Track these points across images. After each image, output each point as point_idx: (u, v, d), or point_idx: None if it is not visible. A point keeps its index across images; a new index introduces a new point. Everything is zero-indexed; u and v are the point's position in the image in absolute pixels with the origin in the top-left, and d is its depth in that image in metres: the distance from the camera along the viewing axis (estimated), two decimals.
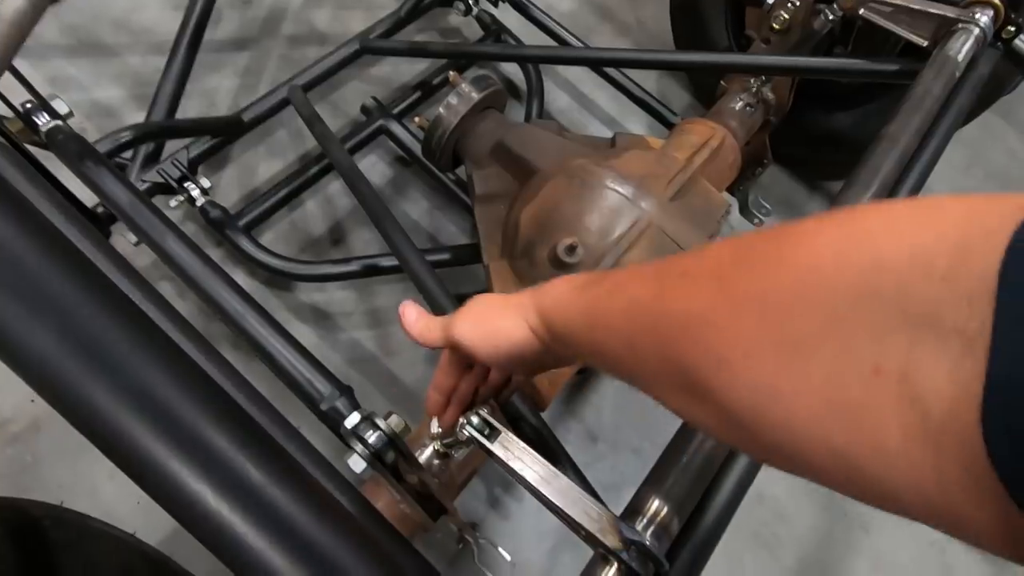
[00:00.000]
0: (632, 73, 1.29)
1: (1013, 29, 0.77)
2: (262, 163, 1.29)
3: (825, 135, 1.32)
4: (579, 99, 1.49)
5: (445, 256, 1.06)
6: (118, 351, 0.27)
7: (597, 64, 1.23)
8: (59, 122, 0.67)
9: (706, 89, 1.39)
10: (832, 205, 0.64)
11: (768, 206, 1.38)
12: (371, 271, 1.07)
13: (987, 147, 1.78)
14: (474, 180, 0.94)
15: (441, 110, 0.96)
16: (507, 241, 0.85)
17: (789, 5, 0.95)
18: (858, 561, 1.22)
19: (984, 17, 0.75)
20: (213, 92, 1.36)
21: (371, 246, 1.24)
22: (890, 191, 0.66)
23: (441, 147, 0.98)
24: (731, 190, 1.16)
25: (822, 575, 1.19)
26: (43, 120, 0.67)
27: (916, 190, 0.68)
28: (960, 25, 0.74)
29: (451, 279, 0.95)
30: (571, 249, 0.72)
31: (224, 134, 1.12)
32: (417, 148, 1.16)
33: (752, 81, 1.01)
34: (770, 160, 1.13)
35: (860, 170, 0.65)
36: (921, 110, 0.67)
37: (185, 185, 1.02)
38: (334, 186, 1.29)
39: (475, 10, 1.33)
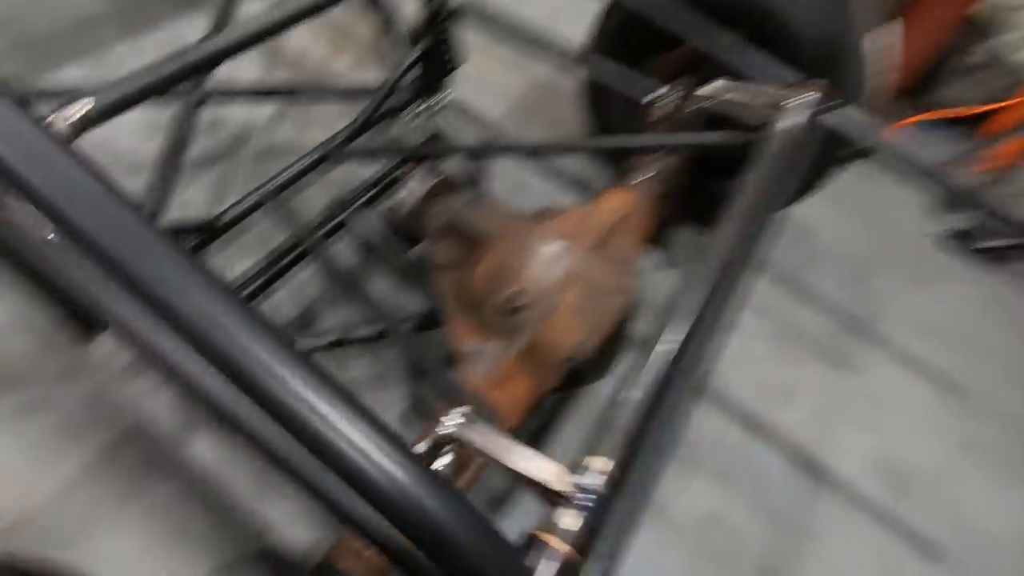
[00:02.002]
0: (559, 159, 1.53)
1: (829, 106, 1.03)
2: (236, 262, 1.42)
3: (723, 198, 1.58)
4: (514, 181, 1.72)
5: (409, 325, 1.20)
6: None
7: (524, 152, 1.46)
8: None
9: (619, 169, 1.64)
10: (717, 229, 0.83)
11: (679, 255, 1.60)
12: (342, 343, 1.19)
13: (864, 198, 2.12)
14: (432, 253, 1.11)
15: (399, 199, 1.14)
16: (464, 298, 1.01)
17: (662, 103, 1.21)
18: (810, 569, 1.34)
19: (805, 98, 1.01)
20: (188, 204, 1.51)
21: (338, 326, 1.37)
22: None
23: (402, 230, 1.15)
24: (652, 242, 1.38)
25: None
26: None
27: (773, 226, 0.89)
28: (786, 104, 1.00)
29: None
30: (518, 294, 0.89)
31: (203, 235, 1.26)
32: (380, 234, 1.33)
33: (650, 160, 1.26)
34: (672, 217, 1.36)
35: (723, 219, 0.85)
36: (760, 169, 0.90)
37: None
38: (302, 276, 1.43)
39: (421, 118, 1.56)
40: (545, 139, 1.59)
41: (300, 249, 1.26)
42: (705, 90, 1.09)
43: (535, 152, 1.43)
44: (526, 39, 1.39)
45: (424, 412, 1.24)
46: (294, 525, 1.16)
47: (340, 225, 1.38)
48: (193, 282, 0.45)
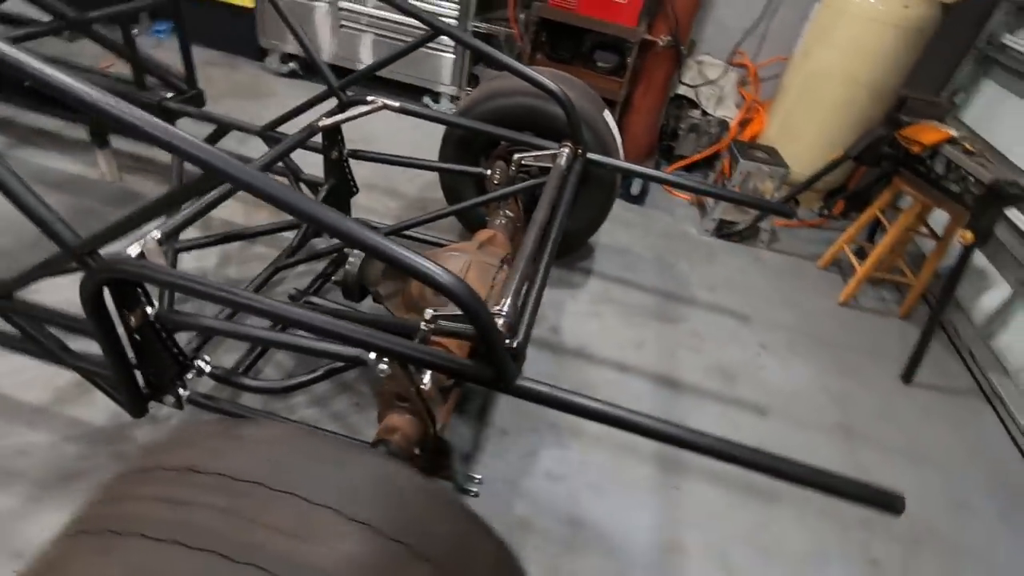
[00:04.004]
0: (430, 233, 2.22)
1: (580, 151, 1.85)
2: (233, 346, 1.89)
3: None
4: None
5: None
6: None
7: (400, 231, 2.13)
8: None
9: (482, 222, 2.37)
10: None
11: None
12: (331, 373, 1.70)
13: (651, 223, 3.05)
14: (379, 290, 1.71)
15: (347, 267, 1.74)
16: (410, 304, 1.61)
17: (497, 173, 1.98)
18: None
19: (566, 149, 1.82)
20: None
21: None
22: (541, 238, 1.57)
23: (354, 286, 1.73)
24: None
25: None
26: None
27: (560, 234, 1.62)
28: (560, 151, 1.79)
29: None
30: None
31: None
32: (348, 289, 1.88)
33: (500, 207, 1.99)
34: None
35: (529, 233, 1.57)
36: (550, 191, 1.64)
37: (195, 362, 1.60)
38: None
39: None
40: (425, 213, 2.23)
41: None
42: (513, 160, 1.88)
43: (419, 224, 2.09)
44: (402, 165, 2.13)
45: None
46: None
47: (304, 304, 1.92)
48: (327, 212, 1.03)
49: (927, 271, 2.66)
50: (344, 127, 2.01)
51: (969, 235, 2.15)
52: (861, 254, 2.99)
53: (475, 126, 1.97)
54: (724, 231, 3.06)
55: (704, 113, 3.50)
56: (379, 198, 2.81)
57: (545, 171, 1.94)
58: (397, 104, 1.98)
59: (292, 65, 3.75)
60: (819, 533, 1.78)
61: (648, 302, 2.55)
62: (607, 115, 2.24)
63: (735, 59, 3.54)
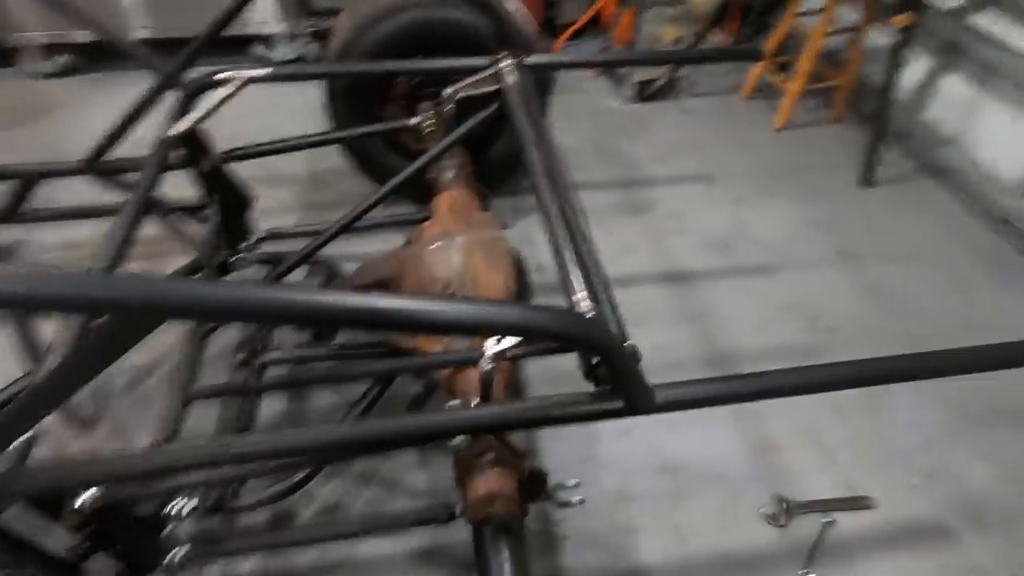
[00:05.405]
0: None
1: (519, 57, 1.47)
2: None
3: (498, 160, 2.01)
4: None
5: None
6: None
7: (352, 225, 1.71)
8: None
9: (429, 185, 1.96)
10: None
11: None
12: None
13: (570, 109, 2.74)
14: None
15: None
16: None
17: (430, 121, 1.57)
18: (723, 320, 1.82)
19: (507, 62, 1.44)
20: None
21: None
22: (554, 189, 1.22)
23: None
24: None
25: None
26: None
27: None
28: (500, 68, 1.41)
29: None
30: (444, 291, 1.17)
31: None
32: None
33: (443, 165, 1.61)
34: (488, 192, 1.73)
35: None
36: (523, 123, 1.28)
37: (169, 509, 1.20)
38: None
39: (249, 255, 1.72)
40: (356, 206, 1.80)
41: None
42: (446, 96, 1.48)
43: (358, 217, 1.67)
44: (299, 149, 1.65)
45: None
46: None
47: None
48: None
49: (853, 67, 2.61)
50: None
51: (905, 17, 2.05)
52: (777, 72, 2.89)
53: (380, 68, 1.52)
54: (644, 93, 2.82)
55: None
56: (264, 191, 2.25)
57: (476, 100, 1.53)
58: (263, 72, 1.48)
59: (66, 58, 2.85)
60: None
61: (612, 199, 2.32)
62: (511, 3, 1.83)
63: None
